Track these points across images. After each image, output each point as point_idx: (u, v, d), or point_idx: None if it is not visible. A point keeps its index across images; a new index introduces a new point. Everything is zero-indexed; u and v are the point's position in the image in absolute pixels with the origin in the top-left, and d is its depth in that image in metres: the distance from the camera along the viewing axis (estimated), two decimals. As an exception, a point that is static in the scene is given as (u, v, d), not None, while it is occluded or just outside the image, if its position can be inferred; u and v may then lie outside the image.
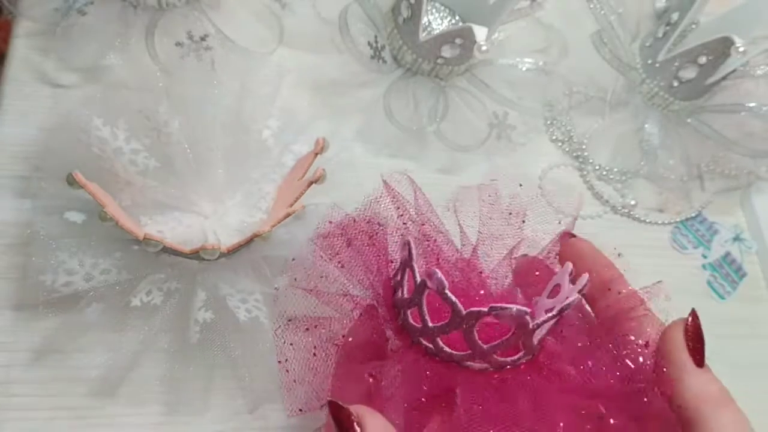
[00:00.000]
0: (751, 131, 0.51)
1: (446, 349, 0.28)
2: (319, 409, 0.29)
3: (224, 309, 0.34)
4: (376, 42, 0.46)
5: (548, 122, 0.53)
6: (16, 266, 0.35)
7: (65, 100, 0.41)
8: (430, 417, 0.28)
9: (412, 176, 0.34)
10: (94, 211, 0.33)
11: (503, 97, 0.48)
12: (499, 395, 0.28)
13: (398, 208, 0.33)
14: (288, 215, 0.35)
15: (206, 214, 0.38)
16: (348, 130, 0.46)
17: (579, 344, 0.30)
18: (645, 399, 0.28)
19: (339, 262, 0.31)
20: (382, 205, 0.32)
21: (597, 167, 0.52)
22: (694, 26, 0.51)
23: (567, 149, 0.52)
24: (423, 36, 0.45)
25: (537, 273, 0.33)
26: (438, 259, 0.33)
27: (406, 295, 0.29)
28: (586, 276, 0.29)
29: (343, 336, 0.29)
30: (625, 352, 0.29)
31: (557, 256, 0.34)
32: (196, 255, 0.33)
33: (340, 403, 0.23)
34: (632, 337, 0.29)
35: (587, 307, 0.32)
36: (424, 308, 0.28)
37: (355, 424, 0.23)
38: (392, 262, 0.32)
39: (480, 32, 0.43)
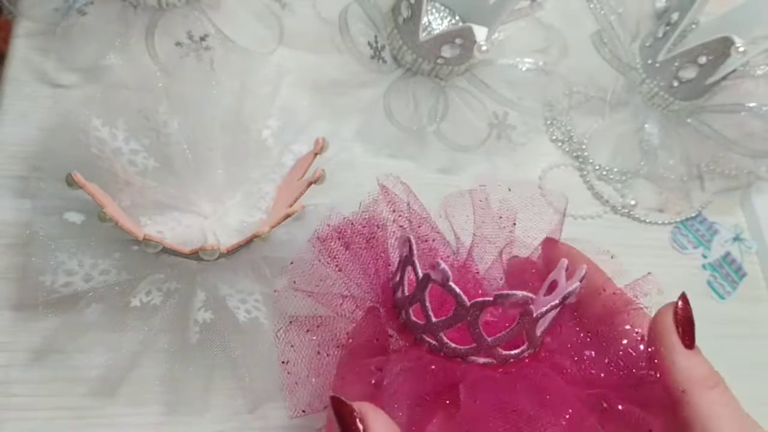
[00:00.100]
0: (751, 131, 0.51)
1: (451, 344, 0.28)
2: (321, 410, 0.28)
3: (224, 309, 0.34)
4: (376, 42, 0.46)
5: (548, 122, 0.53)
6: (15, 266, 0.35)
7: (65, 100, 0.41)
8: (434, 413, 0.28)
9: (412, 176, 0.34)
10: (93, 211, 0.33)
11: (503, 97, 0.48)
12: (503, 388, 0.28)
13: (394, 210, 0.33)
14: (287, 216, 0.35)
15: (206, 215, 0.38)
16: (348, 130, 0.46)
17: (577, 339, 0.30)
18: (648, 385, 0.28)
19: (337, 266, 0.31)
20: (379, 208, 0.32)
21: (597, 167, 0.52)
22: (694, 26, 0.51)
23: (567, 149, 0.52)
24: (423, 36, 0.45)
25: (533, 271, 0.33)
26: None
27: (406, 293, 0.29)
28: (584, 267, 0.29)
29: (347, 335, 0.29)
30: (624, 341, 0.29)
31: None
32: (195, 255, 0.33)
33: (343, 398, 0.23)
34: (628, 327, 0.29)
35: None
36: (427, 303, 0.28)
37: (357, 420, 0.22)
38: (390, 265, 0.32)
39: (480, 32, 0.43)
